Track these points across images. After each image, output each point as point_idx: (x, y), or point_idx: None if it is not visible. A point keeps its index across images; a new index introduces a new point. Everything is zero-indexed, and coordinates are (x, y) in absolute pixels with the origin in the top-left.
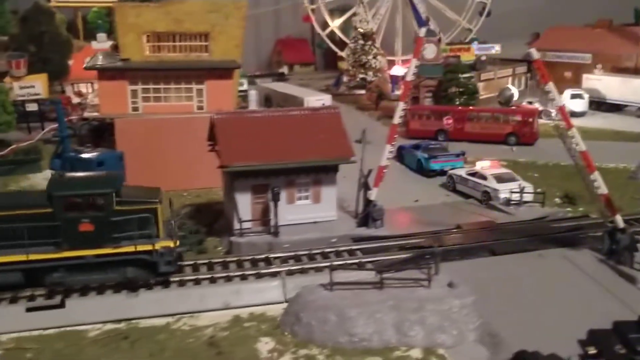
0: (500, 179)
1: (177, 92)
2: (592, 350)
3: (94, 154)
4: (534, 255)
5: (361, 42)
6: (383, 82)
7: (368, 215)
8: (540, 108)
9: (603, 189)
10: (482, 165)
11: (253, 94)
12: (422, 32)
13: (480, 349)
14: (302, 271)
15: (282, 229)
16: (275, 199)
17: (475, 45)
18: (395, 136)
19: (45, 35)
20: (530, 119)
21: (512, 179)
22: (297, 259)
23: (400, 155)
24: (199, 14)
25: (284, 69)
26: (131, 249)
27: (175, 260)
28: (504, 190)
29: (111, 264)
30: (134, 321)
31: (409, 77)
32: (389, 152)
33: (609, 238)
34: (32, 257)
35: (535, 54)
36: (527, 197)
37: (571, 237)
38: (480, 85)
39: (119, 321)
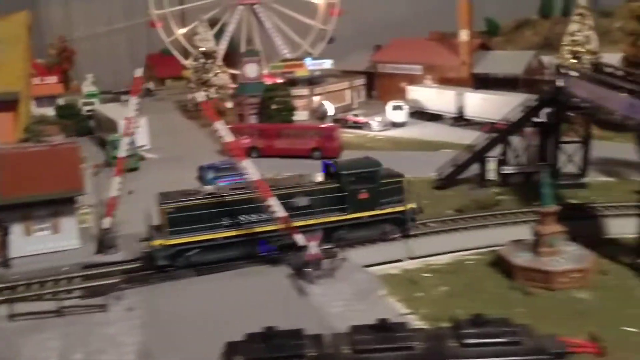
0: None
1: None
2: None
3: None
4: (235, 273)
5: (202, 60)
6: (225, 99)
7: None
8: (363, 120)
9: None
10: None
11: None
12: (138, 72)
13: None
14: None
15: (20, 260)
16: (4, 232)
17: (308, 61)
18: (122, 169)
19: None
20: (332, 135)
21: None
22: (13, 288)
23: (201, 175)
24: None
25: (151, 85)
26: (391, 210)
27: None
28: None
29: (375, 222)
30: None
31: (131, 114)
32: (118, 182)
33: (294, 256)
34: (330, 219)
35: (200, 96)
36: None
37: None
38: (317, 98)
39: None
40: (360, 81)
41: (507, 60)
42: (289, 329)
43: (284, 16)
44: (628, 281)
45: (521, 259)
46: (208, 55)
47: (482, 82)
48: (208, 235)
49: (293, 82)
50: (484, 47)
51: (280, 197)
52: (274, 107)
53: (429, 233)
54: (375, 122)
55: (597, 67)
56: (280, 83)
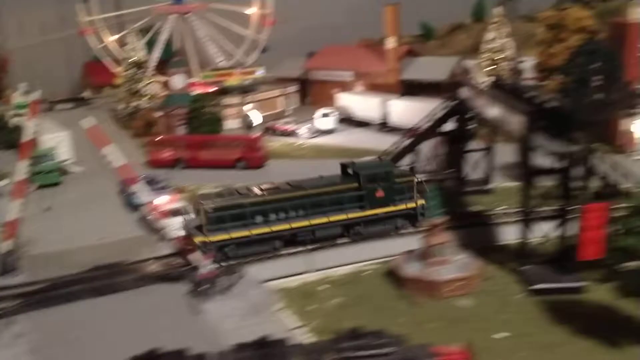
0: (173, 213)
1: None
2: None
3: None
4: (134, 293)
5: (133, 70)
6: (156, 109)
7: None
8: (291, 128)
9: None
10: (160, 201)
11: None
12: (35, 95)
13: None
14: None
15: None
16: None
17: (239, 70)
18: (23, 190)
19: None
20: (256, 145)
21: (182, 213)
22: None
23: (122, 190)
24: None
25: (87, 93)
26: (404, 206)
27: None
28: (174, 225)
29: (389, 217)
30: None
31: (27, 138)
32: (19, 204)
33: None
34: (350, 215)
35: (87, 122)
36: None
37: (178, 273)
38: (251, 106)
39: None
40: (293, 88)
41: (433, 66)
42: (175, 349)
43: (217, 26)
44: (509, 287)
45: (409, 269)
46: (138, 65)
47: (410, 88)
48: (242, 232)
49: (225, 91)
50: (412, 53)
51: (307, 197)
52: (201, 117)
53: (329, 246)
54: (303, 129)
55: (498, 83)
56: (208, 93)
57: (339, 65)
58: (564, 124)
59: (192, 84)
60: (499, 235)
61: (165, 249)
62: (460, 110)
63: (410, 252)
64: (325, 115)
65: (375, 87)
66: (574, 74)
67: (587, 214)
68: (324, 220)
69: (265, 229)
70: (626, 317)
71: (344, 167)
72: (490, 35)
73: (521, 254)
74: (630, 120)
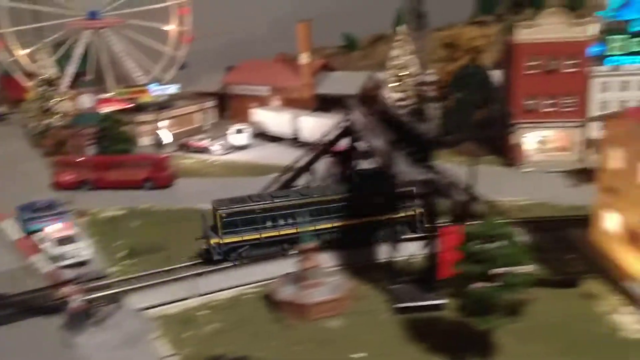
0: (62, 241)
1: None
2: None
3: None
4: (8, 327)
5: (44, 87)
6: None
7: None
8: (204, 145)
9: None
10: (52, 229)
11: None
12: None
13: None
14: None
15: None
16: None
17: (153, 87)
18: None
19: None
20: (163, 164)
21: (74, 241)
22: None
23: (18, 216)
24: None
25: (2, 108)
26: (403, 214)
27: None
28: (62, 254)
29: (389, 223)
30: None
31: None
32: None
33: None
34: (352, 221)
35: None
36: (85, 257)
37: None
38: (169, 122)
39: None
40: (210, 103)
41: (346, 81)
42: None
43: (134, 41)
44: (379, 306)
45: (284, 293)
46: (49, 82)
47: (324, 103)
48: (254, 235)
49: (139, 108)
50: (328, 67)
51: (314, 204)
52: (112, 136)
53: (213, 270)
54: (216, 146)
55: (385, 112)
56: (120, 110)
57: (256, 80)
58: (426, 150)
59: (103, 102)
60: (377, 254)
61: (42, 282)
62: (351, 131)
63: (287, 275)
64: (239, 131)
65: (291, 102)
66: (454, 95)
67: (444, 236)
68: (328, 225)
69: (274, 233)
70: (474, 333)
71: (348, 176)
72: (394, 52)
73: (392, 273)
74: (520, 134)
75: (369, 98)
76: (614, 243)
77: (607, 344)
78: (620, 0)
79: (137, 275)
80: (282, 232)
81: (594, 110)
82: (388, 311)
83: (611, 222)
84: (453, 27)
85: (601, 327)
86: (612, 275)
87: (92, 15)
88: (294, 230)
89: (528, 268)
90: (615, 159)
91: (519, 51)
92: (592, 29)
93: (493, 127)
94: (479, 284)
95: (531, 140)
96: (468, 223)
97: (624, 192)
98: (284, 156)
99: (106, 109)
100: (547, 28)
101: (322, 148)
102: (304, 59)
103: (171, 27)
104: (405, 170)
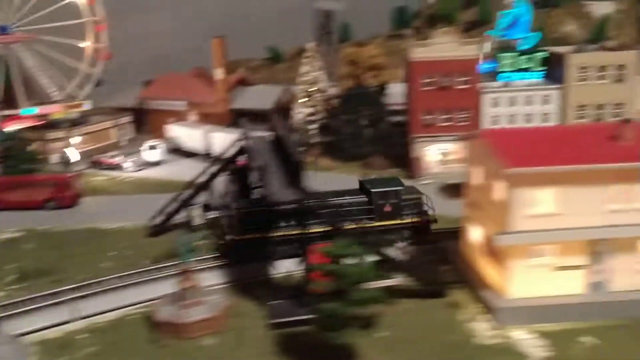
0: None
1: None
2: None
3: None
4: None
5: None
6: None
7: None
8: (116, 161)
9: None
10: None
11: None
12: None
13: None
14: None
15: None
16: None
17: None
18: None
19: None
20: (67, 184)
21: None
22: None
23: None
24: None
25: None
26: (410, 220)
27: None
28: None
29: (396, 229)
30: None
31: None
32: None
33: None
34: (363, 225)
35: None
36: None
37: None
38: (83, 138)
39: None
40: (127, 119)
41: (262, 95)
42: None
43: (49, 58)
44: (256, 322)
45: (163, 313)
46: None
47: (239, 118)
48: (270, 233)
49: (51, 125)
50: (244, 82)
51: (328, 207)
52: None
53: (96, 292)
54: (128, 162)
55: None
56: (26, 129)
57: (173, 94)
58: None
59: (10, 120)
60: (262, 270)
61: None
62: (246, 149)
63: (168, 295)
64: (152, 147)
65: (207, 117)
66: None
67: (311, 254)
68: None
69: (287, 232)
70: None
71: (361, 183)
72: (304, 68)
73: (272, 289)
74: (420, 148)
75: (285, 111)
76: (477, 254)
77: (459, 351)
78: (508, 21)
79: (18, 299)
80: (293, 232)
81: (486, 124)
82: (264, 327)
83: (474, 234)
84: (362, 44)
85: (458, 334)
86: (474, 285)
87: (2, 30)
88: (305, 231)
89: (390, 282)
90: (476, 176)
91: (415, 69)
92: (485, 47)
93: (383, 144)
94: (329, 301)
95: (433, 153)
96: (329, 242)
97: (484, 207)
98: (196, 172)
99: (12, 127)
100: (440, 47)
101: (221, 165)
102: (218, 74)
103: (87, 44)
104: (276, 190)
